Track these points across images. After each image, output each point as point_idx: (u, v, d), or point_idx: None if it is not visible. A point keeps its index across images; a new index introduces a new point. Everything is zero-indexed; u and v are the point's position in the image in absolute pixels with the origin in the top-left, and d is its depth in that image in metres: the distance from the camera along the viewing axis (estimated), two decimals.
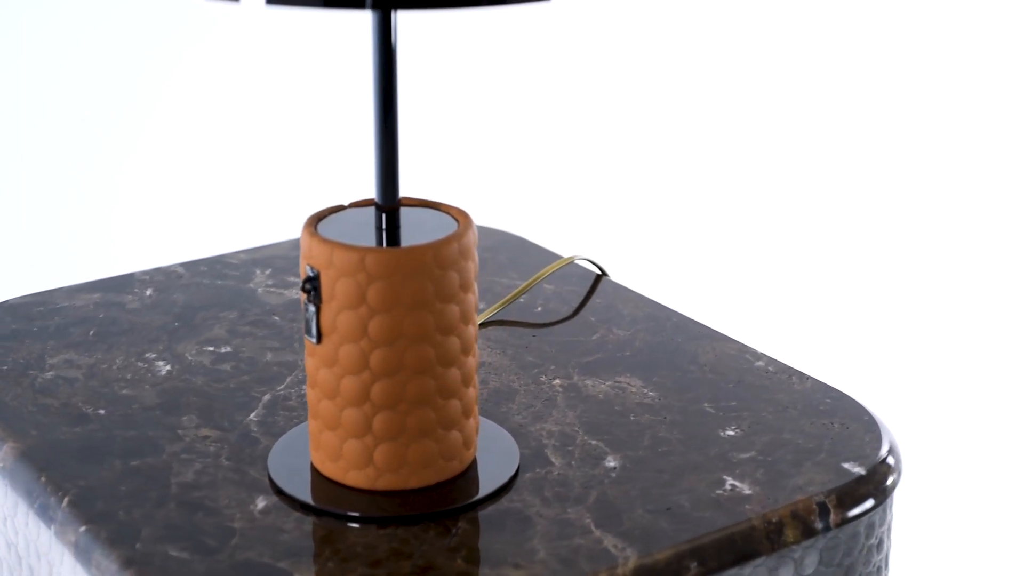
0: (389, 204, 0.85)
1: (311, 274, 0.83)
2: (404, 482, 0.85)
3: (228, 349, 1.03)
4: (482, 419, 0.93)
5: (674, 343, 1.04)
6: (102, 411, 0.94)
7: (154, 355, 1.02)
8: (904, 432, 1.93)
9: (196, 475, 0.87)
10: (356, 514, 0.83)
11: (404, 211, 0.87)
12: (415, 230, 0.85)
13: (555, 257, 1.20)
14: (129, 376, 0.99)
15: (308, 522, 0.83)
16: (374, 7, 0.69)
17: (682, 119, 2.36)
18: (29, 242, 2.08)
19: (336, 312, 0.82)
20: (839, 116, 2.40)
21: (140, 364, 1.01)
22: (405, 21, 2.33)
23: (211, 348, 1.03)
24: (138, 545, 0.80)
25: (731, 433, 0.92)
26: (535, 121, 2.35)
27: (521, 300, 1.12)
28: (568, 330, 1.06)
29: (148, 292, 1.13)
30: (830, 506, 0.85)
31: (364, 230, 0.85)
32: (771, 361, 1.01)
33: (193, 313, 1.09)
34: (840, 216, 2.30)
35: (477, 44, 2.34)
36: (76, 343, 1.04)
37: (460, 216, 0.86)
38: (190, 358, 1.02)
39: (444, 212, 0.87)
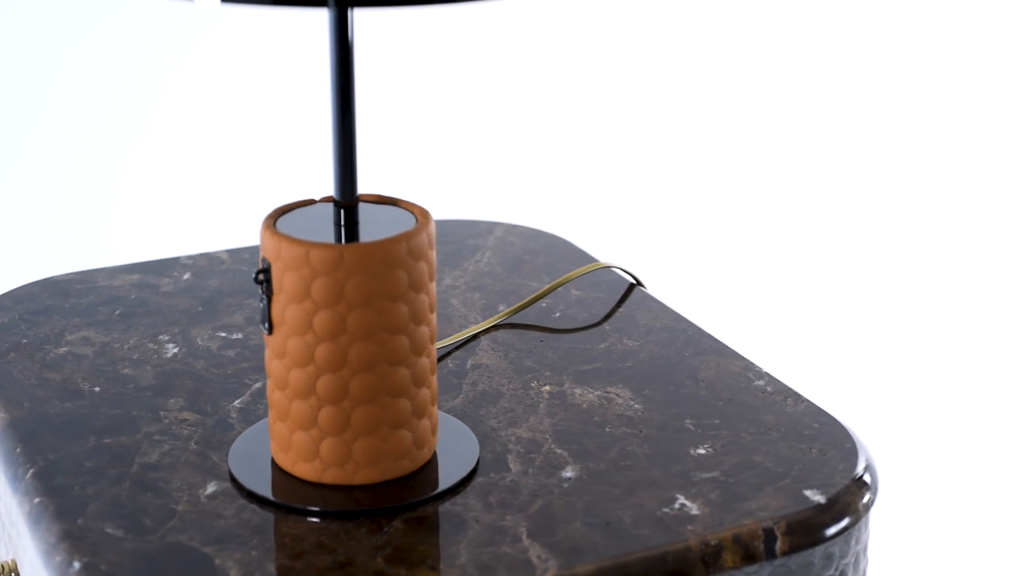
0: (347, 200, 0.85)
1: (263, 266, 0.84)
2: (350, 477, 0.85)
3: (239, 336, 1.05)
4: (454, 420, 0.93)
5: (679, 357, 1.02)
6: (97, 388, 0.97)
7: (167, 337, 1.05)
8: (920, 454, 1.86)
9: (160, 456, 0.89)
10: (296, 505, 0.84)
11: (368, 208, 0.88)
12: (374, 227, 0.85)
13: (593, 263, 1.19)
14: (136, 356, 1.02)
15: (249, 510, 0.84)
16: (331, 5, 0.69)
17: (742, 126, 2.31)
18: (81, 224, 2.14)
19: (284, 305, 0.83)
20: (885, 137, 2.32)
21: (151, 345, 1.03)
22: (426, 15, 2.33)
23: (223, 334, 1.06)
24: (80, 520, 0.83)
25: (701, 452, 0.90)
26: (594, 126, 2.33)
27: (543, 304, 1.11)
28: (577, 338, 1.05)
29: (186, 276, 1.16)
30: (778, 533, 0.83)
31: (324, 225, 0.85)
32: (772, 381, 0.99)
33: (220, 299, 1.12)
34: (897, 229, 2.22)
35: (503, 40, 2.33)
36: (99, 321, 1.07)
37: (420, 214, 0.86)
38: (200, 343, 1.04)
39: (406, 209, 0.88)
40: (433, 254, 0.86)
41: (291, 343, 0.83)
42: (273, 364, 0.85)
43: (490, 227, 1.27)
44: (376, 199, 0.89)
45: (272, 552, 0.80)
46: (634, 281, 1.15)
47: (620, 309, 1.10)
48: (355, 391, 0.83)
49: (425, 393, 0.86)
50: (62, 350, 1.02)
